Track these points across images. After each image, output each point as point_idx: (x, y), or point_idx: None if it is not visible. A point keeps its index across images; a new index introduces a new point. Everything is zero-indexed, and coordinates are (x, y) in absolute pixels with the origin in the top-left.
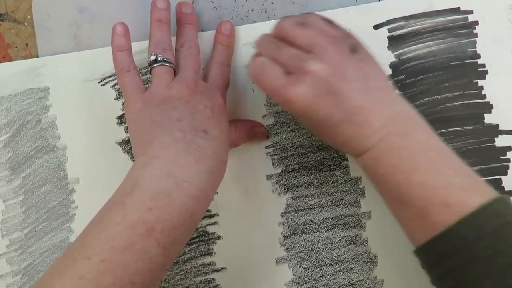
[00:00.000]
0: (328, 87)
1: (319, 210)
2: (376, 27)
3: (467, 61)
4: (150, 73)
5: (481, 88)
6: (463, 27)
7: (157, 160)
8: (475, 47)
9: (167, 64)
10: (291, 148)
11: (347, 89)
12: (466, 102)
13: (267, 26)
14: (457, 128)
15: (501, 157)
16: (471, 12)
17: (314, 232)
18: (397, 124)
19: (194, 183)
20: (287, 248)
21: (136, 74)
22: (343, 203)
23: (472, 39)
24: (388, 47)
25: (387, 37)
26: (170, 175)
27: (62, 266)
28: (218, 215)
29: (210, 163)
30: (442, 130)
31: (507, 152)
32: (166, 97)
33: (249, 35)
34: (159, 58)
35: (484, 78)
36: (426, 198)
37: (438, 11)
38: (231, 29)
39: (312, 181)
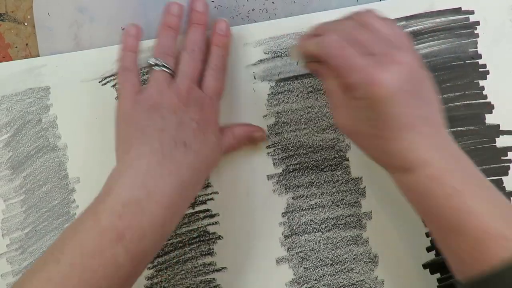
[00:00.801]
0: (412, 85)
1: (320, 210)
2: None
3: (468, 61)
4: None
5: (482, 88)
6: (464, 27)
7: (131, 170)
8: (476, 48)
9: (165, 69)
10: (292, 148)
11: (427, 94)
12: (467, 102)
13: (267, 26)
14: (458, 129)
15: (502, 158)
16: (472, 12)
17: (315, 232)
18: (452, 148)
19: (165, 194)
20: (288, 248)
21: (136, 75)
22: (343, 203)
23: (473, 39)
24: None
25: None
26: (143, 185)
27: (35, 268)
28: (218, 215)
29: (185, 176)
30: None
31: (508, 153)
32: (156, 104)
33: (250, 35)
34: (159, 63)
35: (485, 78)
36: (484, 229)
37: (439, 11)
38: (226, 29)
39: (313, 181)
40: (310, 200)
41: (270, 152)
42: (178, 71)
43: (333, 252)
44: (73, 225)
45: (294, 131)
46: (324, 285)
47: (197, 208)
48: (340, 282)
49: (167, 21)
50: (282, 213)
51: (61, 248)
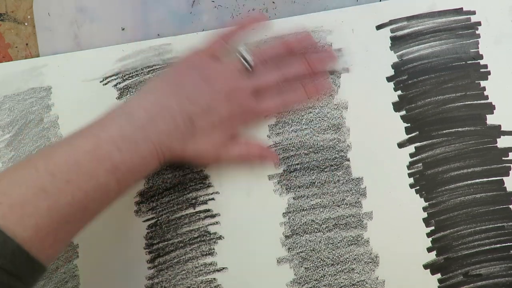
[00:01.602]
0: None
1: (321, 210)
2: (379, 27)
3: (470, 61)
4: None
5: (484, 89)
6: (465, 27)
7: (140, 111)
8: (478, 48)
9: (245, 62)
10: (293, 148)
11: None
12: (468, 103)
13: (268, 26)
14: (459, 129)
15: (503, 158)
16: (473, 12)
17: (316, 232)
18: None
19: (156, 144)
20: (289, 248)
21: (221, 50)
22: (344, 203)
23: (475, 40)
24: (390, 47)
25: (390, 37)
26: (144, 129)
27: (22, 174)
28: (219, 215)
29: (174, 143)
30: (444, 131)
31: (509, 153)
32: (210, 78)
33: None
34: (244, 56)
35: (487, 79)
36: None
37: (440, 11)
38: (326, 88)
39: (314, 181)
40: (311, 200)
41: None
42: (254, 75)
43: (334, 252)
44: (67, 143)
45: (295, 131)
46: (325, 285)
47: (198, 208)
48: (341, 283)
49: (291, 43)
50: (283, 213)
51: (57, 161)
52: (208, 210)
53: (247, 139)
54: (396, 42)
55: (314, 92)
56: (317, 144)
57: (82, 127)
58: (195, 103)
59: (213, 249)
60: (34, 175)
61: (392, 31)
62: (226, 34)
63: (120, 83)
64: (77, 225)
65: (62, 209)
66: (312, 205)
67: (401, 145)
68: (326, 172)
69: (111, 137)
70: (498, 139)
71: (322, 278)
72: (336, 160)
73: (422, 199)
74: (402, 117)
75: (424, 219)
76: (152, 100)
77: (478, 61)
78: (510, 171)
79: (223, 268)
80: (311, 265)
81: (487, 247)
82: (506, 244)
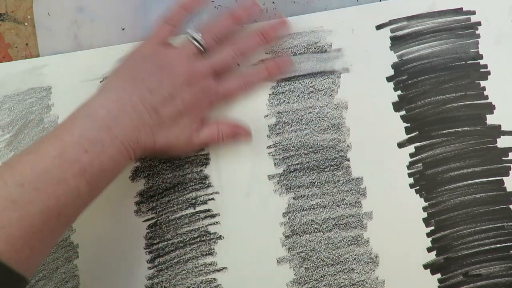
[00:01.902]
0: None
1: (321, 210)
2: (379, 27)
3: (470, 61)
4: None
5: (483, 89)
6: (465, 27)
7: (103, 111)
8: (478, 48)
9: (196, 43)
10: (293, 148)
11: None
12: (468, 102)
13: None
14: (459, 129)
15: (503, 158)
16: (473, 12)
17: (316, 232)
18: None
19: (124, 142)
20: (289, 248)
21: (171, 32)
22: (344, 203)
23: (475, 40)
24: (390, 47)
25: (390, 37)
26: (109, 129)
27: None
28: (219, 215)
29: (143, 137)
30: (444, 131)
31: (509, 153)
32: (165, 65)
33: None
34: (195, 37)
35: (487, 79)
36: None
37: (440, 11)
38: (284, 67)
39: (314, 181)
40: (311, 200)
41: (271, 152)
42: (209, 55)
43: (334, 252)
44: (32, 151)
45: (295, 131)
46: (325, 285)
47: (198, 208)
48: (341, 282)
49: (237, 13)
50: (283, 213)
51: (23, 171)
52: (208, 210)
53: (217, 120)
54: (396, 42)
55: (275, 69)
56: (317, 144)
57: (47, 133)
58: (157, 94)
59: (213, 249)
60: (2, 187)
61: (392, 31)
62: (170, 17)
63: None
64: (53, 234)
65: (34, 218)
66: (312, 205)
67: (401, 145)
68: (326, 172)
69: (76, 140)
70: (498, 139)
71: (322, 278)
72: (336, 160)
73: (422, 199)
74: (402, 117)
75: (424, 219)
76: (113, 97)
77: (478, 61)
78: (510, 171)
79: (223, 268)
80: (311, 265)
81: (487, 247)
82: (506, 244)
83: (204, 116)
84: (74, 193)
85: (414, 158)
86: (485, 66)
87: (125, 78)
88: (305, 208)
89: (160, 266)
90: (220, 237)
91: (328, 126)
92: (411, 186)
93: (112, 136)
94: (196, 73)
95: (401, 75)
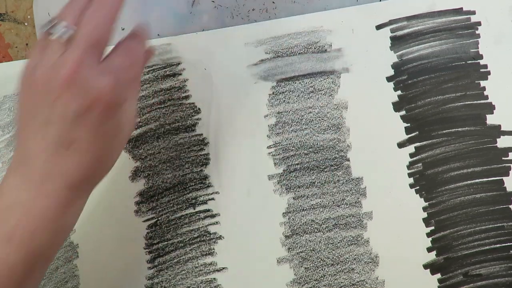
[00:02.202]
0: None
1: (321, 210)
2: (379, 27)
3: (470, 61)
4: None
5: (483, 89)
6: (465, 27)
7: (20, 168)
8: (478, 48)
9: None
10: (293, 148)
11: None
12: (468, 102)
13: (268, 26)
14: (459, 129)
15: (503, 158)
16: (473, 12)
17: (316, 232)
18: None
19: (51, 195)
20: (289, 248)
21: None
22: (344, 203)
23: (475, 40)
24: (390, 47)
25: (390, 37)
26: (27, 187)
27: None
28: (219, 215)
29: (73, 177)
30: (444, 131)
31: (509, 153)
32: (43, 85)
33: (250, 35)
34: (57, 29)
35: (487, 79)
36: None
37: (440, 11)
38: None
39: (314, 181)
40: (311, 200)
41: (271, 152)
42: (76, 34)
43: (333, 252)
44: None
45: (295, 131)
46: (324, 285)
47: (198, 208)
48: (341, 282)
49: None
50: (283, 213)
51: None
52: (208, 210)
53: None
54: (396, 42)
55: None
56: (317, 144)
57: None
58: (54, 122)
59: (213, 249)
60: None
61: (392, 31)
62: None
63: None
64: None
65: None
66: (312, 205)
67: (401, 145)
68: (326, 172)
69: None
70: (498, 139)
71: (322, 278)
72: (336, 160)
73: (422, 199)
74: (402, 117)
75: (424, 219)
76: (23, 149)
77: (478, 61)
78: (510, 171)
79: (223, 268)
80: (311, 265)
81: (487, 247)
82: (506, 244)
83: (122, 102)
84: (4, 264)
85: (414, 158)
86: (485, 66)
87: (21, 124)
88: (305, 208)
89: (160, 266)
90: (220, 237)
91: (328, 126)
92: (411, 186)
93: (35, 194)
94: (66, 71)
95: (401, 75)
